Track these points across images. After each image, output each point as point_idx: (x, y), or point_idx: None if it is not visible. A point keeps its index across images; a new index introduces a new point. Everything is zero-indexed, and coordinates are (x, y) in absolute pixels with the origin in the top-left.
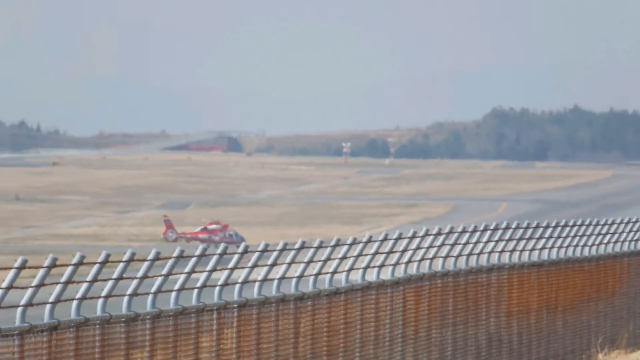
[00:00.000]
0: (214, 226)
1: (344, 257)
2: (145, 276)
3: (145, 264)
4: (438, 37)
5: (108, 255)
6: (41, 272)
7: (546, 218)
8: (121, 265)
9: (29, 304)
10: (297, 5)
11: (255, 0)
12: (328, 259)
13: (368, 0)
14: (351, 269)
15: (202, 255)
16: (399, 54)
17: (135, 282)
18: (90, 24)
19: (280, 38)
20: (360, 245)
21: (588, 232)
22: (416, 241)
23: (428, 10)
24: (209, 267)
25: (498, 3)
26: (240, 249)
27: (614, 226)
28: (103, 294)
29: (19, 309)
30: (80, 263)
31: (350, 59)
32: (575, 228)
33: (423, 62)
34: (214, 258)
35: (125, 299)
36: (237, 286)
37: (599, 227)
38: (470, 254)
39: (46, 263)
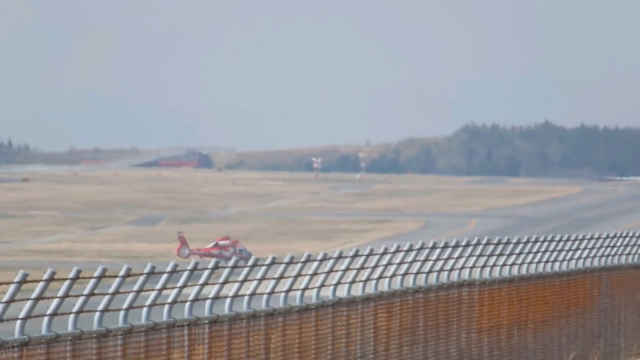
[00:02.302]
0: (225, 242)
1: (314, 273)
2: (116, 292)
3: (117, 280)
4: (408, 52)
5: (79, 271)
6: (12, 287)
7: (517, 234)
8: (92, 281)
9: (0, 320)
10: (266, 21)
11: (225, 15)
12: (299, 275)
13: (336, 16)
14: (322, 285)
15: (173, 271)
16: (370, 70)
17: (106, 298)
18: (58, 38)
19: (249, 54)
20: (331, 261)
21: (559, 248)
22: (387, 257)
23: (398, 27)
24: (179, 283)
25: (468, 19)
26: (211, 265)
27: (585, 241)
28: (74, 310)
29: None
30: (51, 279)
31: (320, 74)
32: (546, 243)
33: (393, 78)
34: (186, 273)
35: (97, 315)
36: (208, 302)
37: (569, 243)
38: (441, 270)
39: (17, 279)
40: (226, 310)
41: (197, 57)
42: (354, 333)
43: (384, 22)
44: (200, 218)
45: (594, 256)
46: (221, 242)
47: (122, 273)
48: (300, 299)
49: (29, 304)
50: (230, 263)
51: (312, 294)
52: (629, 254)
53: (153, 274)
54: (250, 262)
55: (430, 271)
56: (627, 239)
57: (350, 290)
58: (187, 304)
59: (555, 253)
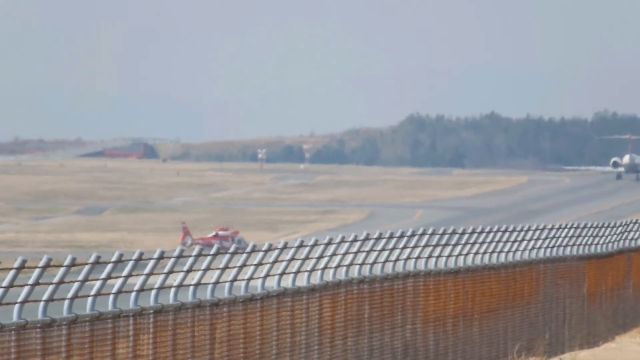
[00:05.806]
0: (225, 232)
1: (259, 264)
2: (61, 282)
3: (62, 270)
4: (351, 41)
5: (24, 261)
6: None
7: (462, 225)
8: (37, 271)
9: None
10: (209, 13)
11: (167, 6)
12: (244, 265)
13: (280, 8)
14: (267, 275)
15: (118, 261)
16: (312, 59)
17: (51, 287)
18: (5, 28)
19: (193, 45)
20: (276, 252)
21: (504, 239)
22: (332, 248)
23: (339, 16)
24: (124, 273)
25: (413, 11)
26: (156, 255)
27: (530, 232)
28: (19, 299)
29: None
30: None
31: (263, 64)
32: (491, 234)
33: (337, 68)
34: (131, 263)
35: (41, 304)
36: (153, 292)
37: (514, 234)
38: (386, 260)
39: None
40: (171, 300)
41: (140, 48)
42: (299, 323)
43: (321, 13)
44: (145, 208)
45: (539, 247)
46: (221, 233)
47: (67, 263)
48: (245, 289)
49: None
50: (176, 253)
51: (257, 284)
52: (573, 245)
53: (98, 263)
54: (248, 249)
55: (375, 262)
56: (572, 230)
57: (295, 281)
58: (133, 293)
59: (501, 244)
